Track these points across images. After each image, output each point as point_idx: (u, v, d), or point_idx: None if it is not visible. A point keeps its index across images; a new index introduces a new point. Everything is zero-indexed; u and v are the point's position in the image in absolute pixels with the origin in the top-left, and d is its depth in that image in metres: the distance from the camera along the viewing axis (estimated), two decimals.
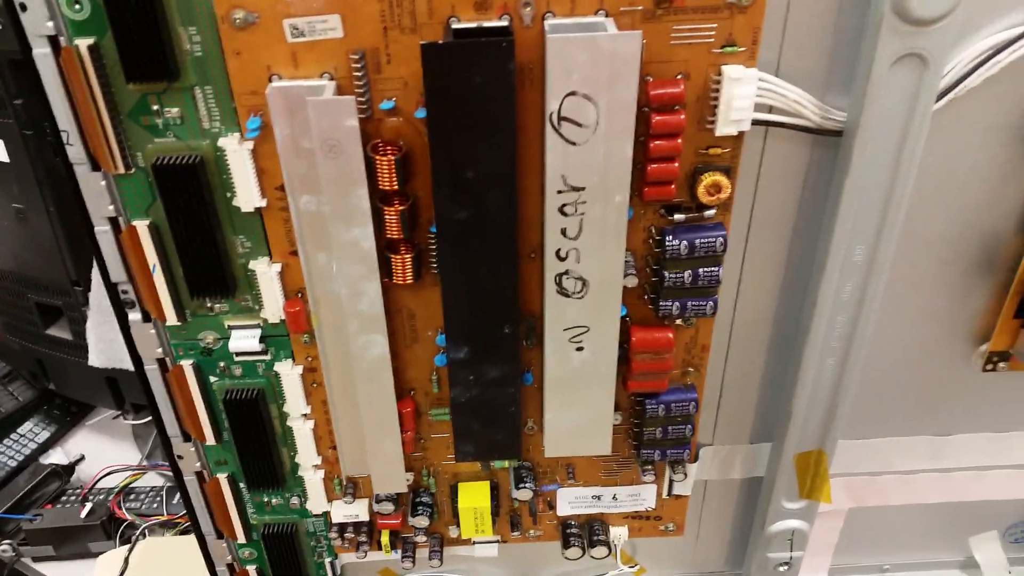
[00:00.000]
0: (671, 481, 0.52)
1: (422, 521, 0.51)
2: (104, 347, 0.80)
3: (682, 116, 0.38)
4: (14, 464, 0.85)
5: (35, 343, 0.85)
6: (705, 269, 0.42)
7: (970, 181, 0.44)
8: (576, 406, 0.45)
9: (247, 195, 0.39)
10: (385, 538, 0.53)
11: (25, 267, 0.80)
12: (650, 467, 0.50)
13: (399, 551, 0.54)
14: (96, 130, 0.37)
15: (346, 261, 0.39)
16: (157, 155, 0.38)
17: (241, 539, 0.52)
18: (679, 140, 0.38)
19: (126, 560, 0.72)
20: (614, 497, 0.53)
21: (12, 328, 0.86)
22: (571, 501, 0.53)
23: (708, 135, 0.39)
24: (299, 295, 0.43)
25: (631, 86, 0.35)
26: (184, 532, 0.78)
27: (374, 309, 0.41)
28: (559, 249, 0.39)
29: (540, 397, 0.46)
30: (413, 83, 0.37)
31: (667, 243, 0.41)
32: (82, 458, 0.89)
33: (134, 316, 0.43)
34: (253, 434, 0.47)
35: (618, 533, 0.54)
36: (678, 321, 0.45)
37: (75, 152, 0.38)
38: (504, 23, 0.36)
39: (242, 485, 0.50)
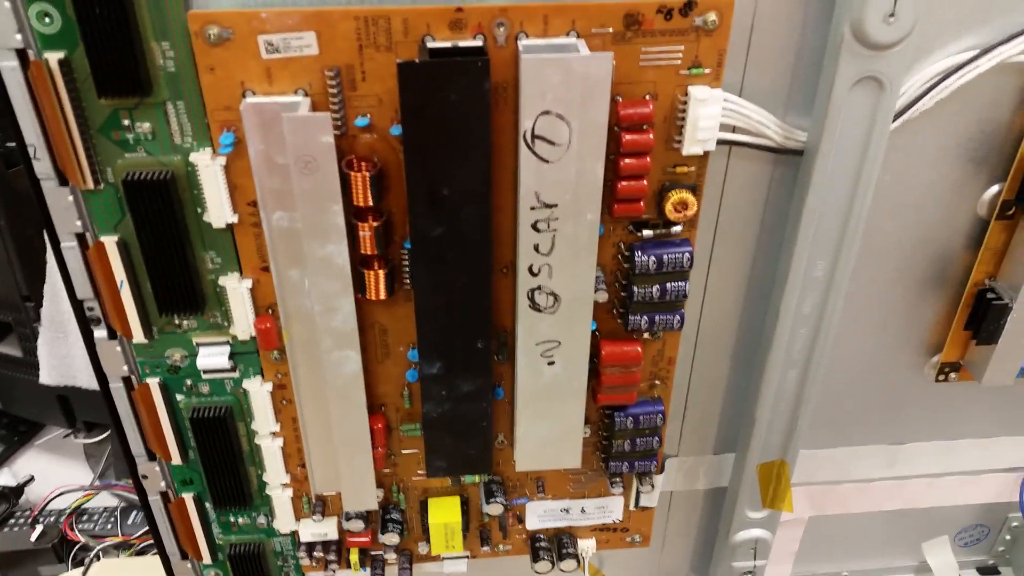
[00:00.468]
0: (638, 493, 0.52)
1: (392, 538, 0.51)
2: (56, 364, 0.78)
3: (651, 135, 0.39)
4: None
5: None
6: (672, 284, 0.43)
7: (924, 199, 0.46)
8: (547, 419, 0.45)
9: (218, 211, 0.39)
10: (354, 556, 0.52)
11: None
12: (618, 479, 0.51)
13: (368, 569, 0.53)
14: (65, 145, 0.36)
15: (320, 277, 0.39)
16: (127, 170, 0.38)
17: (207, 559, 0.51)
18: (648, 159, 0.39)
19: None
20: (582, 510, 0.53)
21: None
22: (540, 515, 0.53)
23: (675, 154, 0.40)
24: (270, 311, 0.43)
25: (603, 106, 0.36)
26: (140, 553, 0.76)
27: (348, 325, 0.41)
28: (532, 265, 0.40)
29: (511, 411, 0.47)
30: (388, 100, 0.37)
31: (636, 259, 0.42)
32: (31, 479, 0.86)
33: (100, 333, 0.42)
34: (220, 453, 0.47)
35: (586, 546, 0.54)
36: (646, 335, 0.45)
37: (42, 167, 0.37)
38: (478, 43, 0.36)
39: (208, 504, 0.50)
